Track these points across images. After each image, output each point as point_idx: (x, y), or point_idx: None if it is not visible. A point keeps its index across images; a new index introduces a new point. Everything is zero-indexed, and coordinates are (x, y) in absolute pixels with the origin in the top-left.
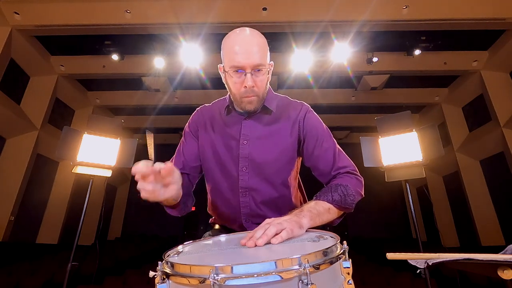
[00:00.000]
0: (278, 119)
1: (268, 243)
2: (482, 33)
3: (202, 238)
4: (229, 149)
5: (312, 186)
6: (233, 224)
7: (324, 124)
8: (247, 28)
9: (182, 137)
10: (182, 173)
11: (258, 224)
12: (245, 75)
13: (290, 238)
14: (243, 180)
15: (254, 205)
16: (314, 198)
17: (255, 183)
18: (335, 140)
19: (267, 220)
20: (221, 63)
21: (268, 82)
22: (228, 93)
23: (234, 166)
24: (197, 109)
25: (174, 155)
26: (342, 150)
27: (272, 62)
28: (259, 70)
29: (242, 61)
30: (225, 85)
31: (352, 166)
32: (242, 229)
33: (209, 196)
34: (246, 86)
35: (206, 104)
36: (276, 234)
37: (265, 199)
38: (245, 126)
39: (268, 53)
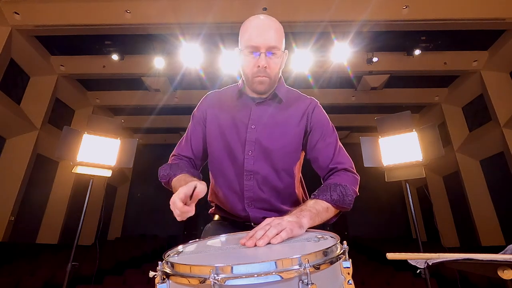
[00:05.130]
0: (287, 109)
1: (268, 243)
2: (482, 33)
3: (203, 233)
4: (237, 132)
5: (311, 180)
6: (236, 208)
7: (330, 121)
8: (266, 15)
9: (191, 121)
10: (189, 159)
11: (260, 208)
12: (259, 55)
13: (290, 238)
14: (248, 163)
15: (258, 189)
16: (312, 196)
17: (260, 167)
18: (338, 138)
19: (267, 220)
20: (238, 47)
21: (281, 70)
22: (241, 79)
23: (240, 149)
24: (207, 93)
25: (184, 139)
26: (343, 148)
27: (287, 51)
28: (273, 53)
29: (257, 41)
30: (240, 69)
31: (350, 163)
32: (245, 213)
33: (212, 181)
34: (259, 66)
35: (217, 90)
36: (276, 235)
37: (269, 184)
38: (255, 112)
39: (284, 40)
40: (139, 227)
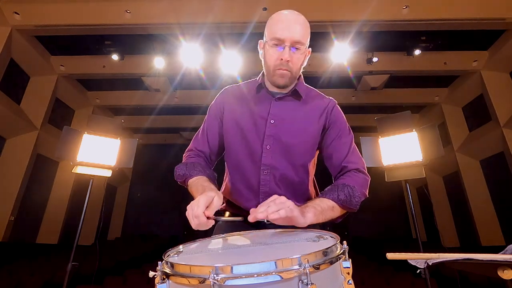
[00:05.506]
0: (307, 106)
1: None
2: (482, 33)
3: (214, 230)
4: (255, 127)
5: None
6: (249, 204)
7: (347, 122)
8: (294, 11)
9: (207, 114)
10: (205, 154)
11: None
12: (283, 49)
13: (290, 236)
14: (266, 157)
15: (274, 184)
16: (320, 195)
17: (277, 162)
18: (353, 139)
19: (273, 197)
20: (262, 40)
21: (302, 67)
22: (260, 73)
23: (258, 143)
24: (224, 88)
25: (200, 133)
26: (357, 149)
27: (310, 49)
28: (297, 49)
29: (283, 34)
30: (262, 61)
31: (362, 164)
32: None
33: (227, 175)
34: (282, 59)
35: (233, 85)
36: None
37: (285, 180)
38: (274, 106)
39: (309, 37)
40: (139, 227)
